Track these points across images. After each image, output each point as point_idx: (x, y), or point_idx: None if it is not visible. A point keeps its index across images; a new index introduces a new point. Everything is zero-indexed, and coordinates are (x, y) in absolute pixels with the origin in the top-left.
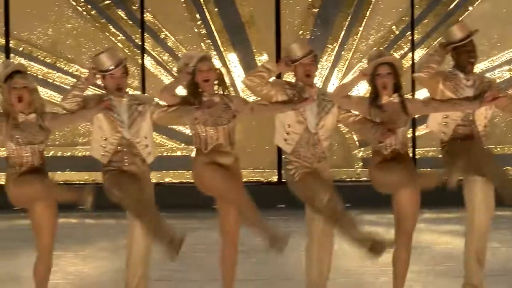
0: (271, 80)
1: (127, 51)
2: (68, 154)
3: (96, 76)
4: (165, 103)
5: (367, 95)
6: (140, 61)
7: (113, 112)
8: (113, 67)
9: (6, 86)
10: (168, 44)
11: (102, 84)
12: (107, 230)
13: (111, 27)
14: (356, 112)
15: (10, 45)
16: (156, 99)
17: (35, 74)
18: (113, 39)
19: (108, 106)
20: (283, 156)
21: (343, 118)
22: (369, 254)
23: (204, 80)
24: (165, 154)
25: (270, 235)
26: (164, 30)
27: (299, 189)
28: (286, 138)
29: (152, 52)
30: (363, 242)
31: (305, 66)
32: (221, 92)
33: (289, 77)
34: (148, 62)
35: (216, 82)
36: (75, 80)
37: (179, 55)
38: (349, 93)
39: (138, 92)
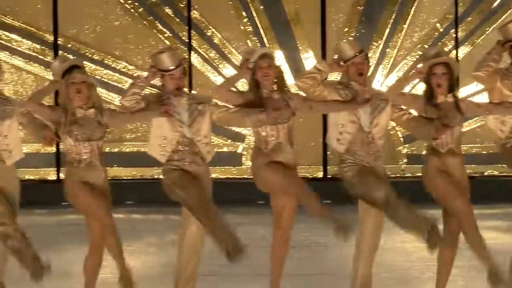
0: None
1: (170, 44)
2: (116, 150)
3: (155, 75)
4: (221, 101)
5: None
6: (187, 58)
7: (173, 111)
8: (173, 67)
9: (64, 81)
10: (215, 41)
11: (161, 84)
12: (154, 225)
13: (158, 24)
14: (410, 110)
15: (59, 42)
16: (214, 100)
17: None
18: (160, 36)
19: (168, 111)
20: (328, 152)
21: (397, 117)
22: (428, 244)
23: (264, 76)
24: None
25: (337, 222)
26: (210, 27)
27: (355, 185)
28: (339, 138)
29: (198, 49)
30: (423, 232)
31: (357, 65)
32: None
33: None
34: (195, 59)
35: (275, 79)
36: (122, 77)
37: (225, 52)
38: (403, 91)
39: (186, 89)
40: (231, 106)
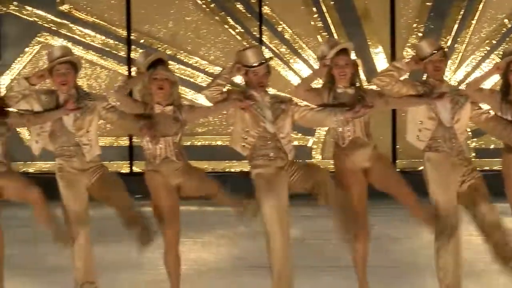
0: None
1: (245, 43)
2: (188, 143)
3: (240, 70)
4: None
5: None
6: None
7: (257, 106)
8: (256, 64)
9: (147, 75)
10: (285, 36)
11: (244, 80)
12: (226, 218)
13: (229, 20)
14: (489, 109)
15: (132, 37)
16: (295, 99)
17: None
18: (231, 31)
19: (246, 107)
20: (397, 146)
21: (475, 115)
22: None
23: (341, 75)
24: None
25: (428, 214)
26: (281, 23)
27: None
28: (418, 135)
29: (269, 45)
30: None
31: (435, 62)
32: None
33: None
34: (267, 54)
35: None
36: (194, 72)
37: (296, 47)
38: (481, 86)
39: None
40: (313, 106)
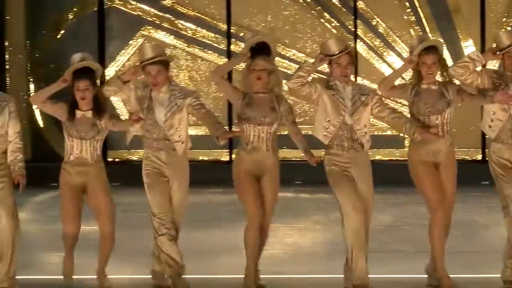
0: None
1: (337, 33)
2: (285, 132)
3: (322, 60)
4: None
5: None
6: (352, 46)
7: (339, 96)
8: (338, 51)
9: (247, 65)
10: (379, 30)
11: (329, 70)
12: (321, 204)
13: (325, 14)
14: None
15: (231, 31)
16: (379, 92)
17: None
18: (327, 25)
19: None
20: (487, 137)
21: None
22: None
23: (428, 73)
24: (376, 133)
25: None
26: (375, 17)
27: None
28: (491, 125)
29: (364, 38)
30: None
31: None
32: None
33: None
34: (361, 47)
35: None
36: (291, 64)
37: (389, 41)
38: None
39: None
40: (395, 109)
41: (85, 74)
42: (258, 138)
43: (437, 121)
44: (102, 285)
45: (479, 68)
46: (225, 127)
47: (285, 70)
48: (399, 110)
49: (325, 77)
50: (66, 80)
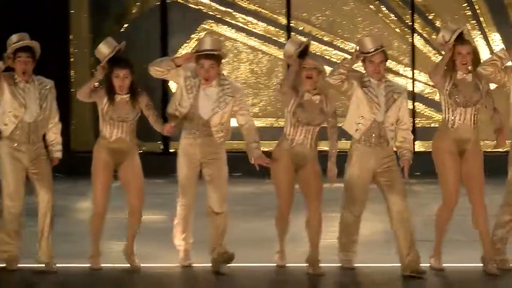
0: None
1: (398, 31)
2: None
3: (358, 57)
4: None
5: None
6: (410, 40)
7: (372, 94)
8: (372, 49)
9: (297, 63)
10: (436, 24)
11: (364, 68)
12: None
13: (383, 8)
14: None
15: (291, 24)
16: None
17: (314, 51)
18: (385, 19)
19: None
20: None
21: None
22: None
23: (462, 63)
24: (432, 125)
25: None
26: (432, 11)
27: None
28: None
29: (421, 32)
30: None
31: None
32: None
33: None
34: (418, 41)
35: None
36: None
37: None
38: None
39: (409, 69)
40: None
41: (125, 63)
42: (305, 137)
43: (473, 112)
44: (131, 263)
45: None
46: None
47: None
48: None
49: (361, 72)
50: (104, 67)
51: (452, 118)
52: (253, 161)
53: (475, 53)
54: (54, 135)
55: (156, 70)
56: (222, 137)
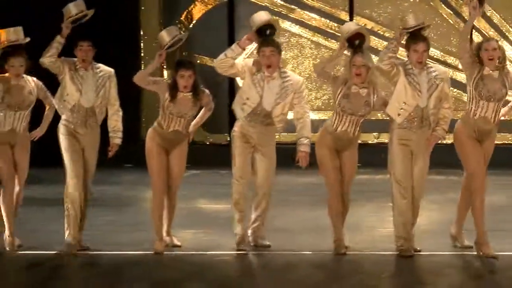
0: None
1: (457, 27)
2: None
3: (403, 35)
4: None
5: None
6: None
7: (415, 81)
8: (415, 25)
9: (348, 60)
10: (494, 21)
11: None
12: (437, 185)
13: (442, 5)
14: None
15: (354, 21)
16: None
17: (375, 47)
18: (444, 15)
19: None
20: None
21: None
22: None
23: (489, 59)
24: None
25: None
26: (490, 8)
27: None
28: None
29: (479, 28)
30: None
31: None
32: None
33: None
34: (475, 37)
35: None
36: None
37: (503, 30)
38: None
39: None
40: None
41: (190, 64)
42: (348, 125)
43: (496, 107)
44: (173, 244)
45: None
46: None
47: (404, 58)
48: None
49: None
50: (162, 55)
51: (475, 109)
52: (298, 155)
53: (501, 50)
54: (115, 122)
55: (221, 62)
56: (282, 126)
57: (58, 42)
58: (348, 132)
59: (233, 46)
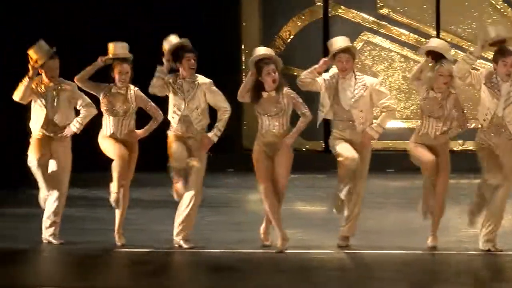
0: None
1: None
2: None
3: (484, 47)
4: None
5: None
6: None
7: (496, 91)
8: (501, 37)
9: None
10: None
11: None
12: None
13: None
14: None
15: (440, 36)
16: None
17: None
18: None
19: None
20: None
21: None
22: None
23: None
24: None
25: None
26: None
27: None
28: None
29: None
30: None
31: None
32: None
33: None
34: None
35: None
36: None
37: None
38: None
39: None
40: None
41: (270, 60)
42: (431, 127)
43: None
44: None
45: None
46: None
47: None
48: None
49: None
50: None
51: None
52: (364, 137)
53: None
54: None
55: (302, 82)
56: (363, 123)
57: (162, 71)
58: (429, 134)
59: (310, 69)
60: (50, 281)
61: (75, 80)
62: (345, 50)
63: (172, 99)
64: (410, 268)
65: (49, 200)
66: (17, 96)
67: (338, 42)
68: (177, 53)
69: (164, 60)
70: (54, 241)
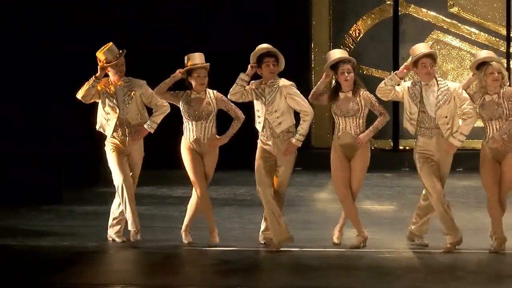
0: None
1: None
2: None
3: None
4: None
5: None
6: None
7: None
8: None
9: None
10: None
11: None
12: None
13: None
14: None
15: (511, 35)
16: None
17: None
18: None
19: None
20: None
21: None
22: None
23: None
24: None
25: None
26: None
27: None
28: None
29: None
30: None
31: None
32: None
33: None
34: None
35: None
36: None
37: None
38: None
39: None
40: None
41: (347, 60)
42: (492, 130)
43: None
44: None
45: None
46: None
47: None
48: None
49: None
50: (329, 75)
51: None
52: (447, 146)
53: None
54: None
55: (382, 91)
56: (449, 129)
57: (242, 79)
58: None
59: (391, 75)
60: (119, 279)
61: (154, 92)
62: (428, 55)
63: (255, 105)
64: (482, 267)
65: (116, 198)
66: (80, 94)
67: (421, 47)
68: (260, 59)
69: (248, 66)
70: (118, 239)
